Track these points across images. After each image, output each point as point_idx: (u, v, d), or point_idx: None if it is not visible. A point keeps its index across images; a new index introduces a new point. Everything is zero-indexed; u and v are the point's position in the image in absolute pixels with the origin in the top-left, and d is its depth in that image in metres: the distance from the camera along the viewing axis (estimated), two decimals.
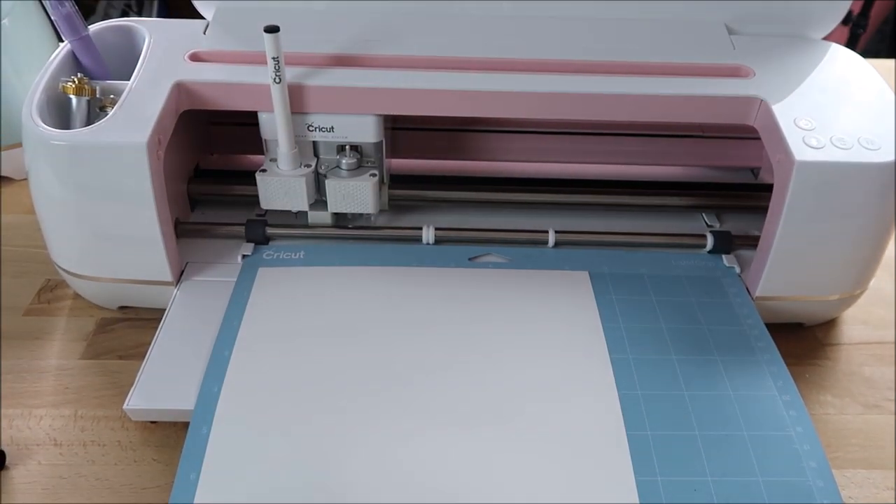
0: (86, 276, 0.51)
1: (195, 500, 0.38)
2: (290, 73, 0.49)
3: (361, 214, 0.56)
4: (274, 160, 0.52)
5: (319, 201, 0.54)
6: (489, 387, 0.44)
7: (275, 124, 0.50)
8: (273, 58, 0.46)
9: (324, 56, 0.51)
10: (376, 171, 0.53)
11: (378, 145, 0.53)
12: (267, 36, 0.45)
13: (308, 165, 0.52)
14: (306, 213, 0.55)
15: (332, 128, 0.51)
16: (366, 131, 0.51)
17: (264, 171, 0.52)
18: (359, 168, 0.53)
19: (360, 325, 0.48)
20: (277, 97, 0.48)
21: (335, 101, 0.50)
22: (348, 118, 0.51)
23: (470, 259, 0.53)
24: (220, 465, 0.40)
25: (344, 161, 0.53)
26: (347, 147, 0.53)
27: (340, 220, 0.56)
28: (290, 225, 0.55)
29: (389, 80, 0.50)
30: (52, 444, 0.45)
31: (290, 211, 0.54)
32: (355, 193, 0.53)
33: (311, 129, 0.51)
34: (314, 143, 0.53)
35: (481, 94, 0.49)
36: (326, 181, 0.53)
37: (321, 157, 0.53)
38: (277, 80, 0.47)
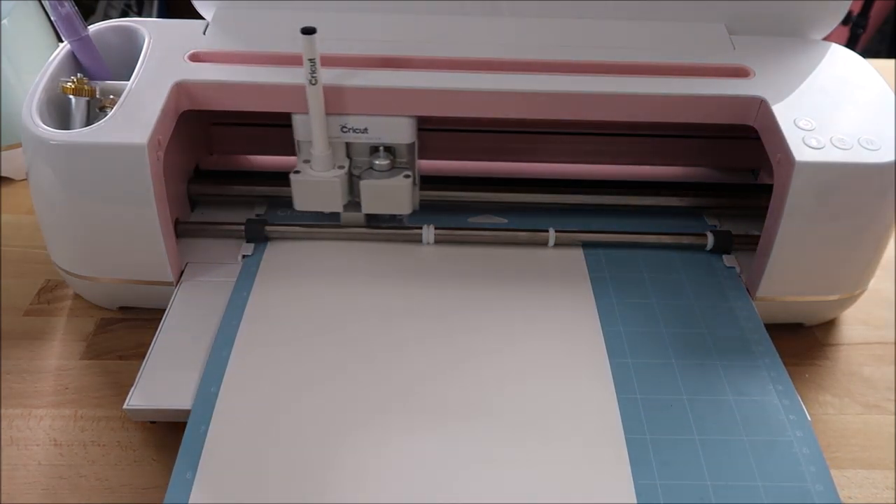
0: (86, 276, 0.51)
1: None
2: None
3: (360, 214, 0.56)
4: (307, 161, 0.52)
5: (350, 202, 0.54)
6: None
7: (309, 126, 0.49)
8: (309, 59, 0.46)
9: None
10: (410, 172, 0.53)
11: (411, 146, 0.52)
12: (304, 37, 0.45)
13: (341, 167, 0.52)
14: (339, 213, 0.54)
15: (366, 129, 0.51)
16: (400, 132, 0.51)
17: (297, 172, 0.52)
18: (392, 169, 0.53)
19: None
20: (313, 99, 0.48)
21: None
22: (383, 119, 0.50)
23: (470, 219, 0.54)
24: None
25: (377, 162, 0.52)
26: (381, 148, 0.53)
27: (336, 219, 0.56)
28: (291, 224, 0.55)
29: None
30: (52, 445, 0.45)
31: (294, 210, 0.54)
32: (390, 194, 0.53)
33: (344, 130, 0.51)
34: (347, 144, 0.52)
35: (490, 94, 0.49)
36: (361, 183, 0.52)
37: (353, 158, 0.53)
38: (313, 82, 0.47)
